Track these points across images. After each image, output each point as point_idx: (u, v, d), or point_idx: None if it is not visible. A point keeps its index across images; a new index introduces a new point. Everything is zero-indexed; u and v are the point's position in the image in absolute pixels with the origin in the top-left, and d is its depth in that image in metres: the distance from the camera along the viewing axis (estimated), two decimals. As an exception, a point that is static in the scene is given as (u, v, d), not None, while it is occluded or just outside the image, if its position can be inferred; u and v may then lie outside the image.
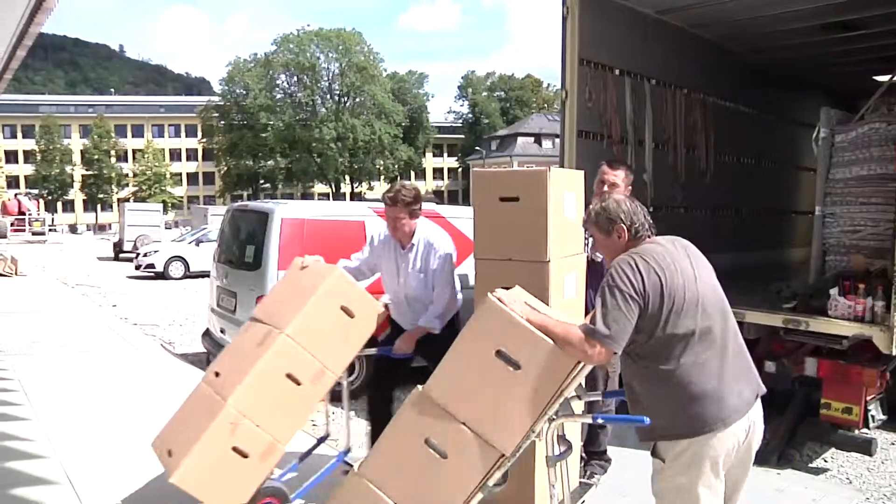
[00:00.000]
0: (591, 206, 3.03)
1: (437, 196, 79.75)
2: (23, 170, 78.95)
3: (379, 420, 4.51)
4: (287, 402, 3.72)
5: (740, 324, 5.50)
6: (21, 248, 30.23)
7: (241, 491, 3.55)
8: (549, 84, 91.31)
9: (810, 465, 5.65)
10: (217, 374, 3.84)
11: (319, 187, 76.92)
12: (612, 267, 2.77)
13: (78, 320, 11.58)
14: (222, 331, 7.44)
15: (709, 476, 2.73)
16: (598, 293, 2.73)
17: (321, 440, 4.51)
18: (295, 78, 72.19)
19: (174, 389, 6.79)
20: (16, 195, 54.69)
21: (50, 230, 49.83)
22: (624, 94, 7.09)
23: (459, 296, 4.66)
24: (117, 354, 8.67)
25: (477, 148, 73.68)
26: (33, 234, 44.48)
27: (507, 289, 3.05)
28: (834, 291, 5.12)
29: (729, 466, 2.80)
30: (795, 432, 6.01)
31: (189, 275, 20.89)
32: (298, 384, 3.70)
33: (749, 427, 2.82)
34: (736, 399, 2.75)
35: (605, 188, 4.36)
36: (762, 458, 5.50)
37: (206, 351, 7.96)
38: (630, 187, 4.45)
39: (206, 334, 8.07)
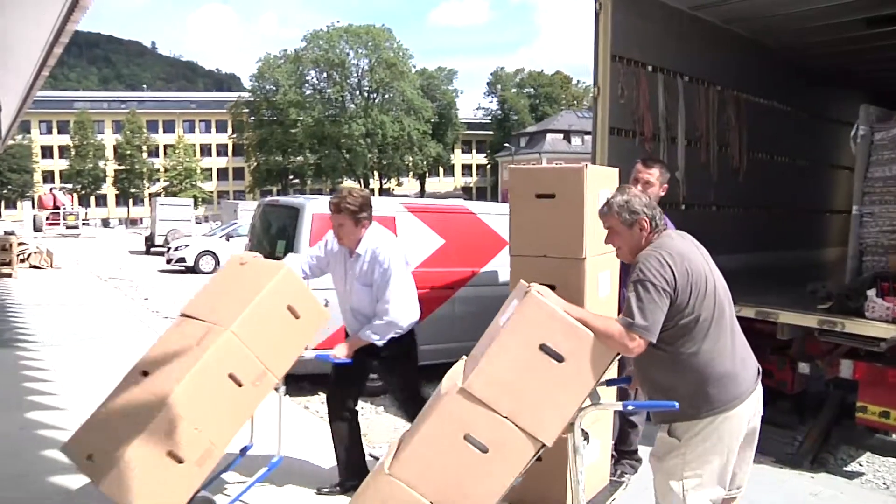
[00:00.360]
0: (610, 199, 3.07)
1: (466, 192, 79.62)
2: (58, 165, 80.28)
3: (335, 426, 4.48)
4: (227, 404, 3.52)
5: (773, 323, 5.49)
6: (55, 242, 30.75)
7: (174, 499, 3.34)
8: (578, 80, 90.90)
9: (845, 469, 5.57)
10: (145, 374, 3.58)
11: (348, 183, 77.32)
12: (640, 262, 2.88)
13: (110, 313, 11.74)
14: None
15: (725, 450, 2.91)
16: (631, 287, 2.85)
17: (245, 450, 4.24)
18: (324, 74, 72.48)
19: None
20: (51, 190, 55.67)
21: (83, 224, 50.60)
22: (656, 91, 7.01)
23: (414, 310, 4.37)
24: (148, 347, 8.76)
25: (506, 144, 73.41)
26: (67, 227, 45.28)
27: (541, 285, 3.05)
28: (871, 293, 5.04)
29: (741, 440, 2.98)
30: (829, 435, 5.92)
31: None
32: (240, 385, 3.51)
33: (757, 400, 3.03)
34: (748, 376, 2.99)
35: (639, 186, 4.29)
36: (795, 461, 5.45)
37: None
38: (666, 185, 4.38)
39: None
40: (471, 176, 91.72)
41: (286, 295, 3.75)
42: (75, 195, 60.78)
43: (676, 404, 2.80)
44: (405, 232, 7.41)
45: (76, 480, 4.30)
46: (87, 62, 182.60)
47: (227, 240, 21.95)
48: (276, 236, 7.57)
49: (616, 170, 4.21)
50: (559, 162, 5.20)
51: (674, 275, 2.81)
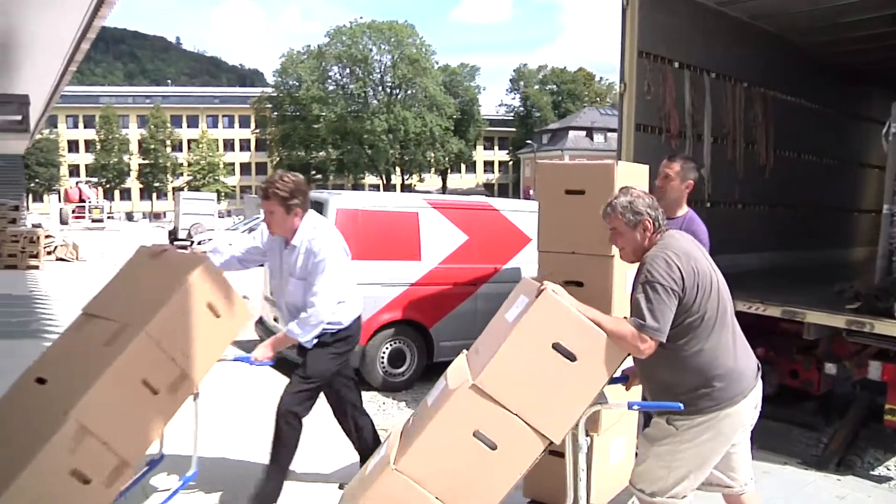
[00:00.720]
0: (613, 200, 3.08)
1: (487, 189, 79.54)
2: (84, 159, 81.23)
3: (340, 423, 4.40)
4: (139, 414, 3.12)
5: (800, 323, 5.42)
6: (81, 235, 31.10)
7: None
8: (601, 77, 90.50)
9: (872, 472, 5.49)
10: (42, 381, 3.14)
11: (370, 178, 77.42)
12: (647, 263, 2.92)
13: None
14: (276, 319, 7.54)
15: (721, 445, 2.98)
16: (640, 289, 2.90)
17: (154, 463, 3.80)
18: (347, 70, 72.54)
19: (227, 374, 6.90)
20: (77, 183, 56.23)
21: (108, 217, 51.12)
22: (683, 88, 6.95)
23: (354, 309, 4.15)
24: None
25: (528, 141, 73.20)
26: (93, 220, 45.74)
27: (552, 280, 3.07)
28: (902, 293, 4.96)
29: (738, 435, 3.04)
30: (857, 438, 5.84)
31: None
32: (155, 392, 3.13)
33: (757, 396, 3.06)
34: (750, 373, 3.03)
35: (658, 182, 4.26)
36: (821, 463, 5.39)
37: (259, 338, 8.07)
38: (691, 182, 4.30)
39: (260, 322, 8.18)
40: (493, 173, 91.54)
41: (205, 291, 3.37)
42: (100, 189, 61.35)
43: (682, 405, 2.86)
44: (428, 227, 7.41)
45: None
46: (113, 57, 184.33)
47: (250, 234, 22.05)
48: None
49: (646, 167, 4.17)
50: (581, 159, 5.14)
51: (681, 274, 2.86)
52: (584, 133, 71.94)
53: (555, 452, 3.02)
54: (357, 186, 74.55)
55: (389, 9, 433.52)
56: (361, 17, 74.01)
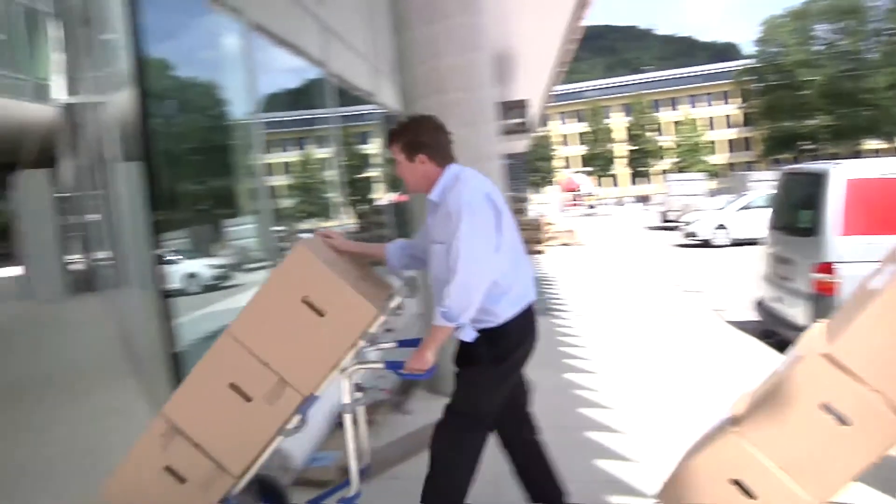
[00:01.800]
0: None
1: None
2: (574, 151, 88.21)
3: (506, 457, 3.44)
4: (234, 421, 2.85)
5: None
6: (576, 221, 33.81)
7: None
8: None
9: None
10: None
11: (871, 143, 68.97)
12: None
13: (632, 285, 12.40)
14: (777, 300, 7.19)
15: None
16: None
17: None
18: (835, 25, 65.75)
19: (729, 354, 6.85)
20: (570, 174, 61.25)
21: (599, 204, 54.73)
22: None
23: (514, 298, 3.05)
24: (669, 317, 9.05)
25: None
26: (587, 207, 49.57)
27: None
28: None
29: None
30: None
31: (737, 242, 20.59)
32: (248, 399, 2.83)
33: None
34: None
35: None
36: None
37: (759, 320, 7.79)
38: None
39: (760, 303, 7.88)
40: None
41: (298, 285, 2.84)
42: (592, 178, 66.09)
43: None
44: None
45: (607, 438, 4.67)
46: (593, 53, 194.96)
47: (741, 212, 21.31)
48: (798, 206, 7.14)
49: None
50: None
51: None
52: None
53: None
54: (857, 153, 67.02)
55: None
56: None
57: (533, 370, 3.33)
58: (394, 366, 3.01)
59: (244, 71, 7.31)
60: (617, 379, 6.21)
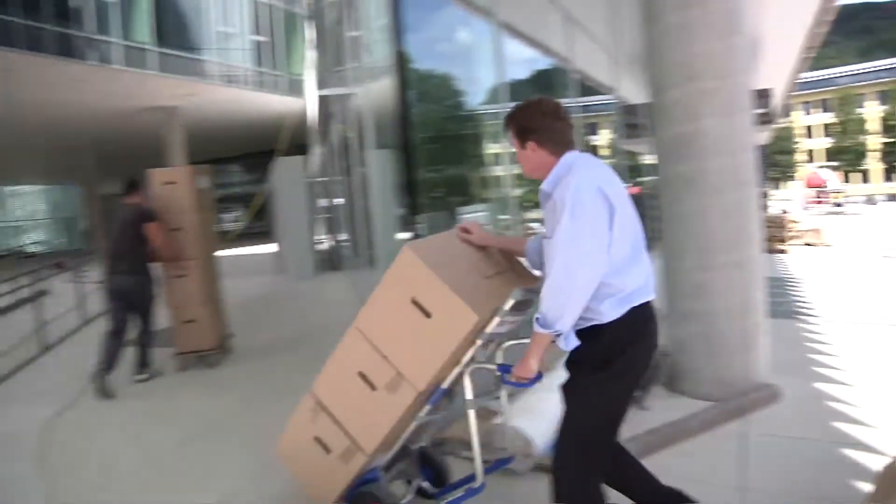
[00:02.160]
0: None
1: None
2: (820, 143, 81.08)
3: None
4: (363, 406, 3.15)
5: None
6: (822, 219, 31.14)
7: (327, 487, 3.34)
8: None
9: None
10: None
11: None
12: None
13: (890, 292, 11.26)
14: None
15: None
16: None
17: (472, 491, 3.20)
18: None
19: None
20: (815, 168, 56.72)
21: (846, 201, 50.29)
22: None
23: (625, 297, 2.66)
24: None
25: None
26: (834, 205, 45.78)
27: None
28: None
29: None
30: None
31: None
32: (373, 388, 3.09)
33: None
34: None
35: None
36: None
37: None
38: None
39: None
40: None
41: (406, 286, 2.94)
42: (840, 173, 60.52)
43: None
44: None
45: (868, 459, 4.26)
46: (843, 36, 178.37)
47: None
48: None
49: None
50: None
51: None
52: None
53: None
54: None
55: None
56: None
57: (778, 376, 3.14)
58: (504, 369, 3.01)
59: (478, 63, 7.50)
60: (878, 393, 5.65)
